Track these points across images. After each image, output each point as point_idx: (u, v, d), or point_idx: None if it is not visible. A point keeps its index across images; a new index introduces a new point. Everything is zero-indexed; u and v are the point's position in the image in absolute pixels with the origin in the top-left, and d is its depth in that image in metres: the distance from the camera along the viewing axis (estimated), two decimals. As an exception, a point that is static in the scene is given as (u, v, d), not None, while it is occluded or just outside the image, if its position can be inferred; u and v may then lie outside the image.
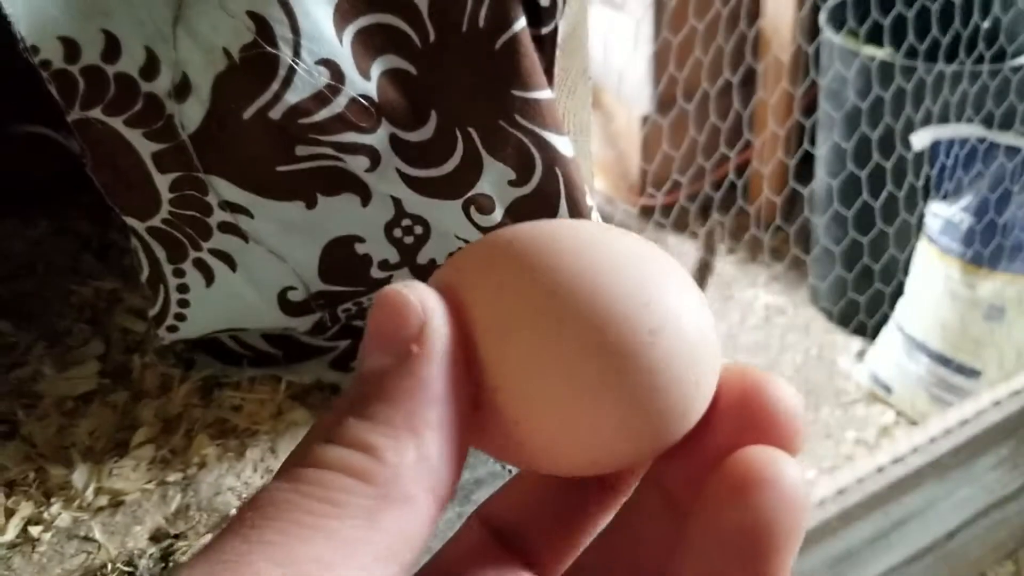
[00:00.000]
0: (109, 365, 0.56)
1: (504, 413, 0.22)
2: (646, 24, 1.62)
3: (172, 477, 0.49)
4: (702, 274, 1.77)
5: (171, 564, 0.46)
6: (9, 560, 0.46)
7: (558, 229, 0.24)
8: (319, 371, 0.55)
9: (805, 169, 1.72)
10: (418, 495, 0.21)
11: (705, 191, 1.75)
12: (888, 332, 1.63)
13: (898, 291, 1.58)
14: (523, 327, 0.22)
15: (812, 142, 1.63)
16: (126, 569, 0.45)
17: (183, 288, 0.49)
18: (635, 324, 0.22)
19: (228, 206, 0.46)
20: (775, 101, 1.66)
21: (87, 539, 0.46)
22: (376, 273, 0.51)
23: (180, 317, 0.50)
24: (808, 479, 1.59)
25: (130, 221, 0.47)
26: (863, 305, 1.65)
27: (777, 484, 0.21)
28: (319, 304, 0.51)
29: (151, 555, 0.46)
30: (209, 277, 0.49)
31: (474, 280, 0.23)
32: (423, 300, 0.22)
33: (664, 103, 1.68)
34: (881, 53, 1.46)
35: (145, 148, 0.45)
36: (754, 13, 1.59)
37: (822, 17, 1.53)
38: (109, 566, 0.45)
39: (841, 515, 1.30)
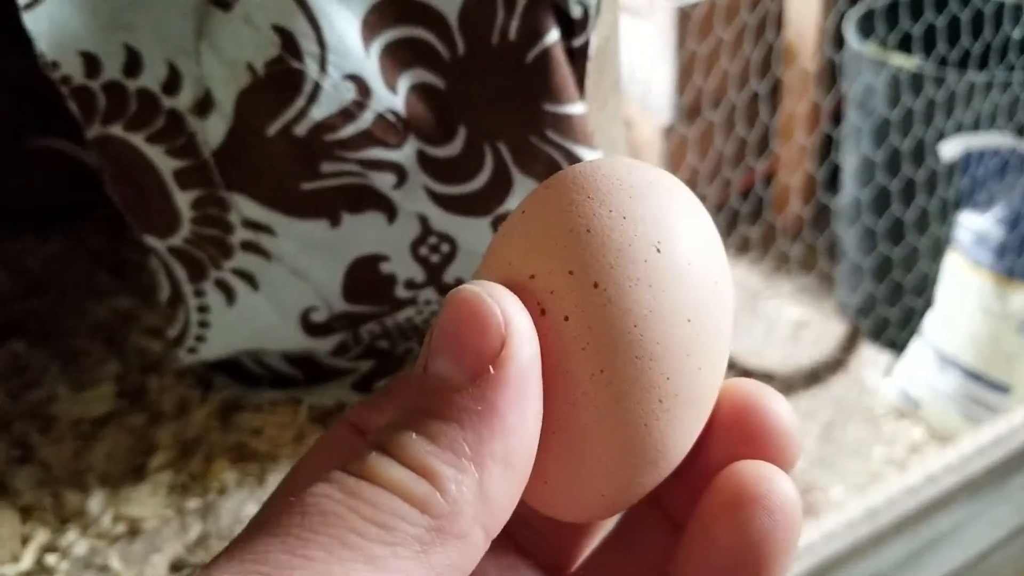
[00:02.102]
0: (125, 386, 0.54)
1: (556, 454, 0.21)
2: (670, 34, 1.60)
3: (191, 503, 0.48)
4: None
5: (188, 596, 0.44)
6: (23, 590, 0.44)
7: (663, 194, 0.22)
8: (341, 393, 0.53)
9: (832, 180, 1.69)
10: (473, 532, 0.19)
11: (730, 203, 1.72)
12: (917, 346, 1.60)
13: (929, 305, 1.55)
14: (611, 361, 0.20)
15: (838, 153, 1.60)
16: (143, 601, 0.43)
17: (204, 308, 0.47)
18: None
19: (250, 224, 0.45)
20: (800, 112, 1.64)
21: (104, 569, 0.45)
22: (401, 292, 0.49)
23: (200, 338, 0.48)
24: (835, 497, 1.56)
25: (150, 240, 0.46)
26: (893, 319, 1.62)
27: (769, 500, 0.21)
28: (342, 324, 0.50)
29: (169, 586, 0.44)
30: (230, 297, 0.47)
31: (558, 278, 0.20)
32: (507, 313, 0.19)
33: (690, 113, 1.67)
34: (910, 63, 1.43)
35: (166, 165, 0.43)
36: (781, 23, 1.57)
37: (847, 26, 1.51)
38: (125, 598, 0.44)
39: (872, 537, 1.27)
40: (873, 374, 1.77)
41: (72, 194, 0.74)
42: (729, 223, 1.85)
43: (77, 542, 0.46)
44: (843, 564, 1.22)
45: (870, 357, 1.82)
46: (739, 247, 1.88)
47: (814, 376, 1.77)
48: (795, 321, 1.90)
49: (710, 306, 0.21)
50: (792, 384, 1.77)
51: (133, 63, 0.42)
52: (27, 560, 0.46)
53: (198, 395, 0.53)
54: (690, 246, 0.21)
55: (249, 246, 0.46)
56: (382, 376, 0.53)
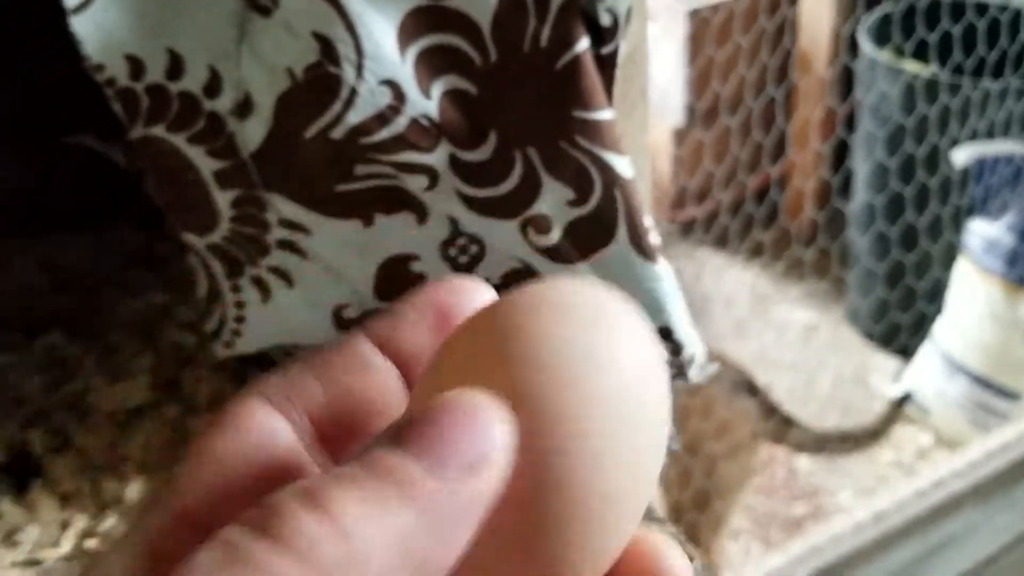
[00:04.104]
0: (160, 378, 0.56)
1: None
2: (683, 38, 1.62)
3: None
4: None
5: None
6: (67, 573, 0.46)
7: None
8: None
9: (845, 186, 1.70)
10: None
11: (744, 207, 1.73)
12: (926, 352, 1.60)
13: (940, 312, 1.56)
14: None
15: (852, 159, 1.61)
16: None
17: (240, 304, 0.49)
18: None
19: (287, 224, 0.46)
20: (815, 118, 1.65)
21: (141, 555, 0.46)
22: (430, 292, 0.51)
23: (236, 333, 0.50)
24: (842, 502, 1.56)
25: (189, 238, 0.48)
26: (904, 325, 1.63)
27: None
28: (372, 322, 0.51)
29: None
30: (266, 293, 0.49)
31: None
32: (492, 428, 0.19)
33: (705, 118, 1.68)
34: (925, 70, 1.44)
35: (207, 165, 0.45)
36: (798, 29, 1.58)
37: (861, 33, 1.52)
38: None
39: (879, 540, 1.28)
40: (881, 379, 1.77)
41: (103, 192, 0.76)
42: (742, 227, 1.86)
43: (116, 528, 0.48)
44: (850, 566, 1.23)
45: (879, 362, 1.82)
46: (751, 251, 1.89)
47: (822, 381, 1.78)
48: (805, 326, 1.91)
49: (641, 443, 0.21)
50: (800, 388, 1.78)
51: (175, 66, 0.43)
52: (67, 545, 0.48)
53: (232, 388, 0.55)
54: (630, 376, 0.21)
55: (285, 244, 0.47)
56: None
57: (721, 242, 1.80)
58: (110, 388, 0.55)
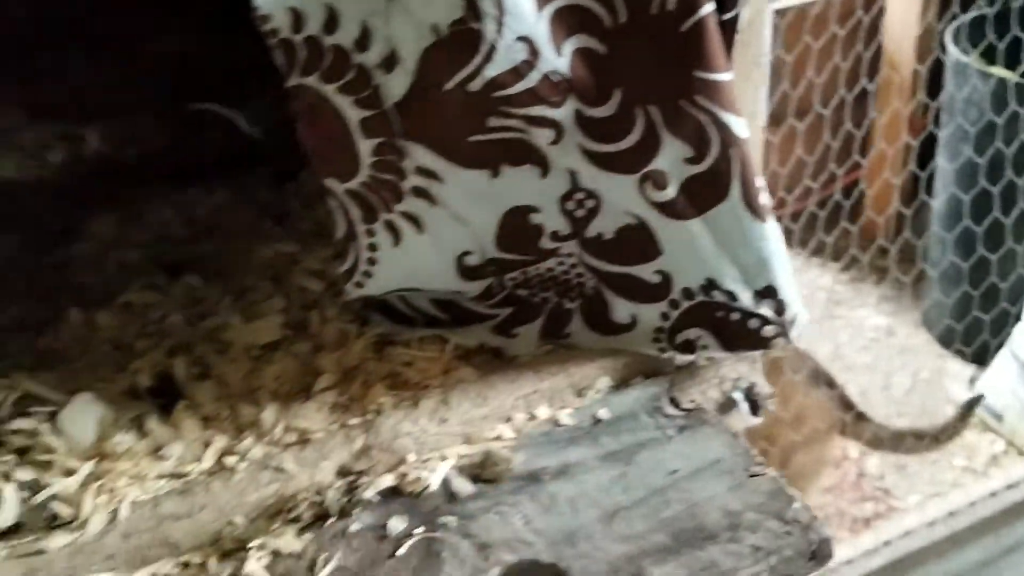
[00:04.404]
0: (290, 319, 0.60)
1: None
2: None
3: (353, 421, 0.53)
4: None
5: (355, 498, 0.49)
6: (209, 484, 0.50)
7: None
8: (483, 335, 0.58)
9: (915, 188, 1.68)
10: None
11: (813, 209, 1.73)
12: (1002, 358, 1.58)
13: (1020, 316, 1.53)
14: None
15: (926, 161, 1.60)
16: (316, 499, 0.49)
17: (373, 247, 0.53)
18: None
19: (422, 171, 0.50)
20: (894, 119, 1.64)
21: (279, 470, 0.51)
22: (546, 243, 0.54)
23: (367, 274, 0.54)
24: (912, 505, 1.55)
25: (329, 183, 0.51)
26: (981, 330, 1.60)
27: None
28: (491, 270, 0.55)
29: (337, 488, 0.50)
30: (397, 238, 0.52)
31: None
32: None
33: (775, 119, 1.68)
34: (1015, 75, 1.43)
35: (353, 114, 0.49)
36: (872, 33, 1.58)
37: (948, 35, 1.51)
38: (300, 495, 0.49)
39: (951, 537, 1.27)
40: (955, 385, 1.75)
41: (228, 152, 0.81)
42: (812, 229, 1.84)
43: (253, 448, 0.52)
44: (920, 563, 1.23)
45: (953, 367, 1.80)
46: (825, 254, 1.88)
47: (896, 384, 1.76)
48: (878, 328, 1.89)
49: None
50: (873, 392, 1.76)
51: (331, 21, 0.47)
52: (208, 461, 0.52)
53: (356, 329, 0.59)
54: None
55: (418, 191, 0.51)
56: (520, 323, 0.58)
57: (802, 241, 1.79)
58: (245, 326, 0.60)
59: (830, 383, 1.34)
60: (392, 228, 0.52)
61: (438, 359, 0.57)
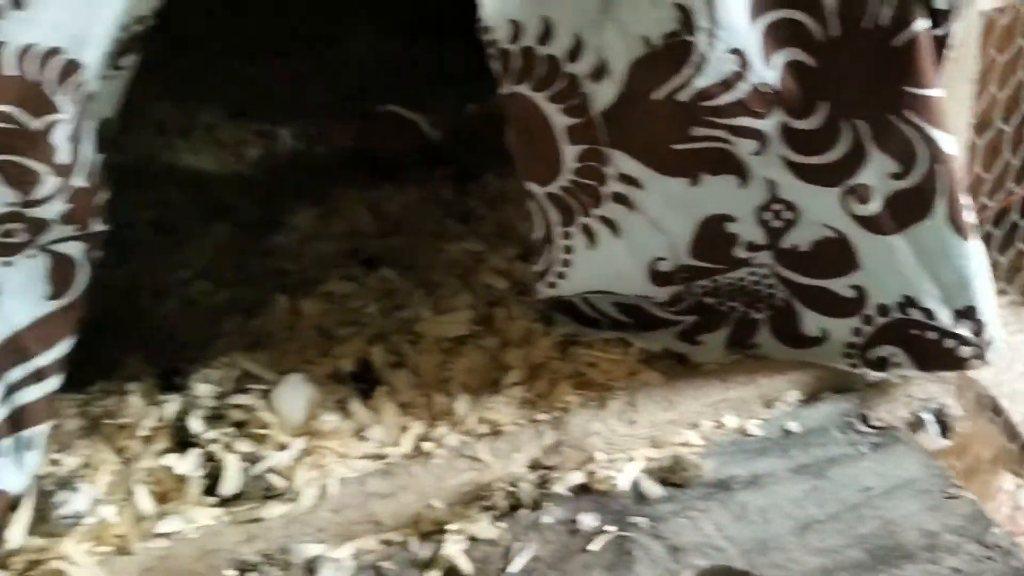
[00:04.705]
0: (478, 314, 0.63)
1: None
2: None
3: (541, 416, 0.55)
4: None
5: (546, 491, 0.51)
6: (409, 467, 0.53)
7: None
8: (667, 340, 0.59)
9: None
10: None
11: (1012, 216, 1.63)
12: None
13: None
14: None
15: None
16: (510, 489, 0.51)
17: (568, 249, 0.55)
18: None
19: (623, 178, 0.52)
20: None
21: (474, 459, 0.53)
22: (739, 253, 0.54)
23: (560, 275, 0.56)
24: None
25: (531, 186, 0.54)
26: None
27: None
28: (682, 277, 0.56)
29: (530, 480, 0.52)
30: (593, 241, 0.54)
31: None
32: None
33: (980, 124, 1.59)
34: None
35: (560, 122, 0.51)
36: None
37: None
38: (495, 485, 0.51)
39: None
40: None
41: (410, 153, 0.85)
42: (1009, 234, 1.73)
43: (448, 435, 0.55)
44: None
45: None
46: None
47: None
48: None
49: None
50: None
51: (546, 32, 0.49)
52: (406, 445, 0.55)
53: (542, 328, 0.61)
54: None
55: (618, 197, 0.52)
56: (705, 330, 0.58)
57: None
58: (436, 319, 0.63)
59: (996, 409, 1.28)
60: (588, 231, 0.54)
61: (622, 362, 0.58)
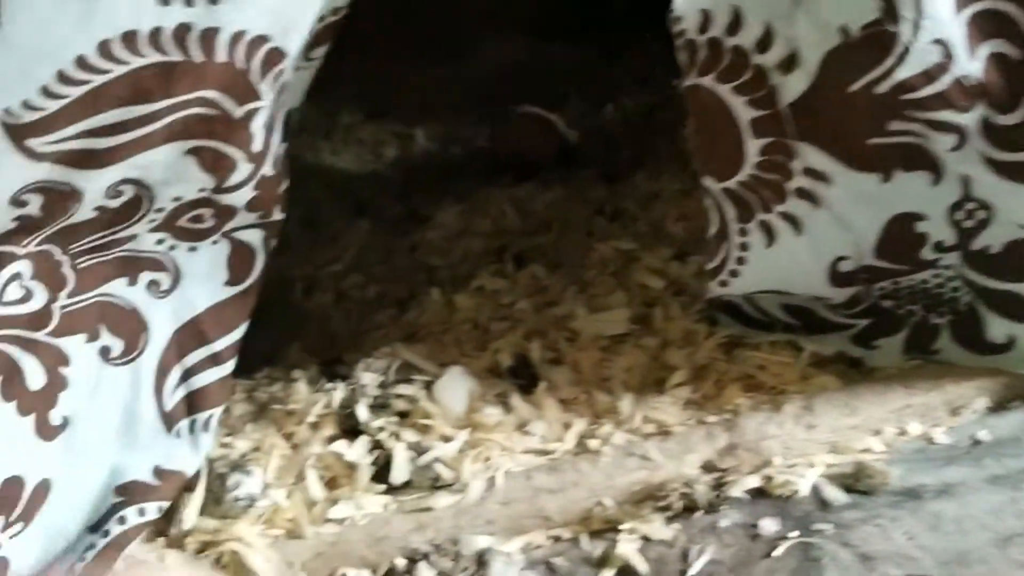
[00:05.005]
0: (635, 314, 0.62)
1: None
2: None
3: (710, 419, 0.54)
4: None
5: (723, 494, 0.50)
6: (577, 464, 0.53)
7: None
8: (841, 344, 0.57)
9: None
10: None
11: None
12: None
13: None
14: None
15: None
16: (685, 491, 0.50)
17: (744, 247, 0.53)
18: None
19: (810, 173, 0.50)
20: None
21: (645, 458, 0.52)
22: (927, 254, 0.52)
23: (734, 274, 0.54)
24: None
25: (707, 181, 0.53)
26: None
27: None
28: (863, 278, 0.54)
29: (704, 482, 0.50)
30: (771, 238, 0.52)
31: None
32: None
33: None
34: None
35: (745, 114, 0.50)
36: None
37: None
38: (669, 485, 0.50)
39: None
40: None
41: (546, 153, 0.85)
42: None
43: (614, 434, 0.54)
44: None
45: None
46: None
47: None
48: None
49: None
50: None
51: (735, 22, 0.48)
52: (570, 442, 0.54)
53: (704, 329, 0.59)
54: None
55: (803, 193, 0.51)
56: (881, 334, 0.56)
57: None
58: (592, 317, 0.62)
59: None
60: (767, 228, 0.52)
61: (793, 365, 0.56)
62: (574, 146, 0.84)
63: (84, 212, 0.45)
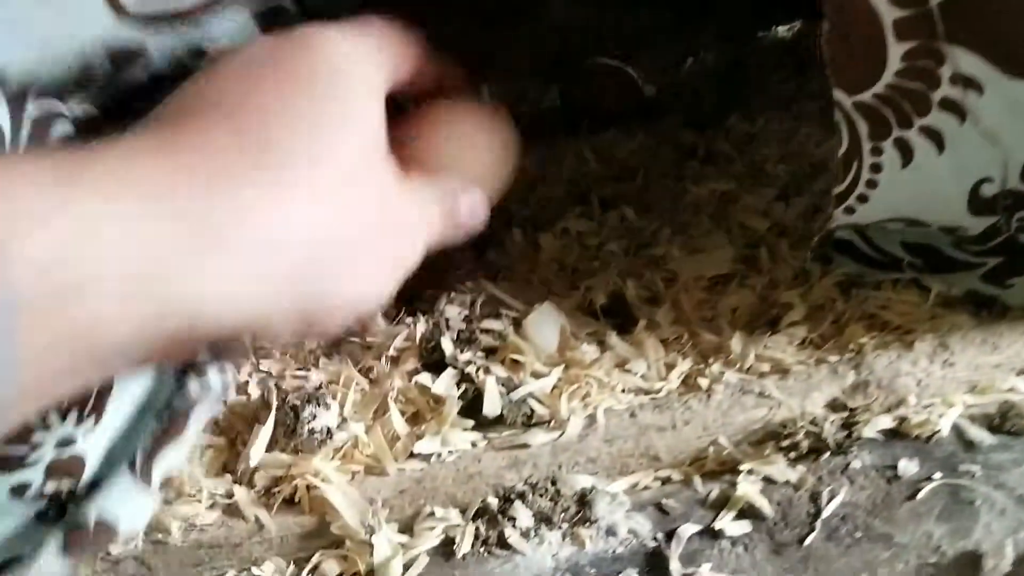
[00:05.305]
0: (737, 254, 0.57)
1: None
2: None
3: (832, 358, 0.49)
4: None
5: (853, 434, 0.45)
6: (687, 401, 0.48)
7: None
8: (970, 282, 0.52)
9: None
10: None
11: None
12: None
13: None
14: None
15: None
16: (812, 429, 0.45)
17: (876, 168, 0.48)
18: None
19: (960, 80, 0.45)
20: None
21: (763, 396, 0.47)
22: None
23: (862, 199, 0.49)
24: None
25: (838, 95, 0.48)
26: None
27: None
28: (1005, 206, 0.49)
29: (832, 421, 0.45)
30: (907, 158, 0.48)
31: None
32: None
33: None
34: None
35: (888, 14, 0.45)
36: None
37: None
38: (794, 423, 0.45)
39: None
40: None
41: (626, 108, 0.81)
42: None
43: (726, 373, 0.49)
44: None
45: None
46: None
47: None
48: None
49: None
50: None
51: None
52: (674, 382, 0.50)
53: (818, 268, 0.54)
54: None
55: (948, 104, 0.46)
56: (1017, 273, 0.51)
57: None
58: (690, 258, 0.57)
59: None
60: (904, 146, 0.47)
61: (920, 304, 0.51)
62: (653, 100, 0.80)
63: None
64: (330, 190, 0.29)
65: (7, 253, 0.23)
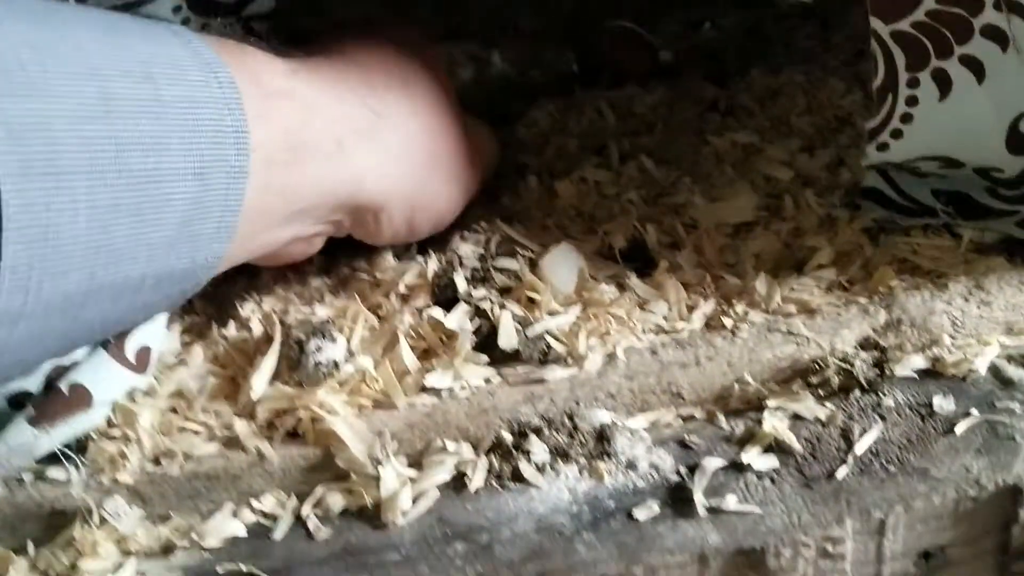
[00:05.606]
0: (760, 203, 0.55)
1: None
2: None
3: (862, 299, 0.47)
4: None
5: (886, 372, 0.43)
6: (711, 340, 0.46)
7: None
8: (1004, 228, 0.50)
9: None
10: None
11: None
12: None
13: None
14: None
15: None
16: (843, 366, 0.43)
17: (912, 100, 0.47)
18: None
19: (1006, 5, 0.44)
20: None
21: (791, 333, 0.45)
22: None
23: (896, 134, 0.48)
24: None
25: (875, 23, 0.46)
26: None
27: None
28: (1048, 144, 0.47)
29: (863, 359, 0.43)
30: (945, 90, 0.46)
31: None
32: None
33: None
34: None
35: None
36: None
37: None
38: (823, 361, 0.43)
39: None
40: None
41: (644, 72, 0.79)
42: None
43: (750, 312, 0.47)
44: None
45: None
46: None
47: None
48: None
49: None
50: None
51: None
52: (697, 323, 0.48)
53: (846, 214, 0.52)
54: None
55: (991, 31, 0.44)
56: (1051, 219, 0.49)
57: None
58: (711, 205, 0.55)
59: None
60: (942, 78, 0.46)
61: (952, 248, 0.49)
62: (669, 64, 0.78)
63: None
64: (440, 119, 0.48)
65: (255, 125, 0.36)
